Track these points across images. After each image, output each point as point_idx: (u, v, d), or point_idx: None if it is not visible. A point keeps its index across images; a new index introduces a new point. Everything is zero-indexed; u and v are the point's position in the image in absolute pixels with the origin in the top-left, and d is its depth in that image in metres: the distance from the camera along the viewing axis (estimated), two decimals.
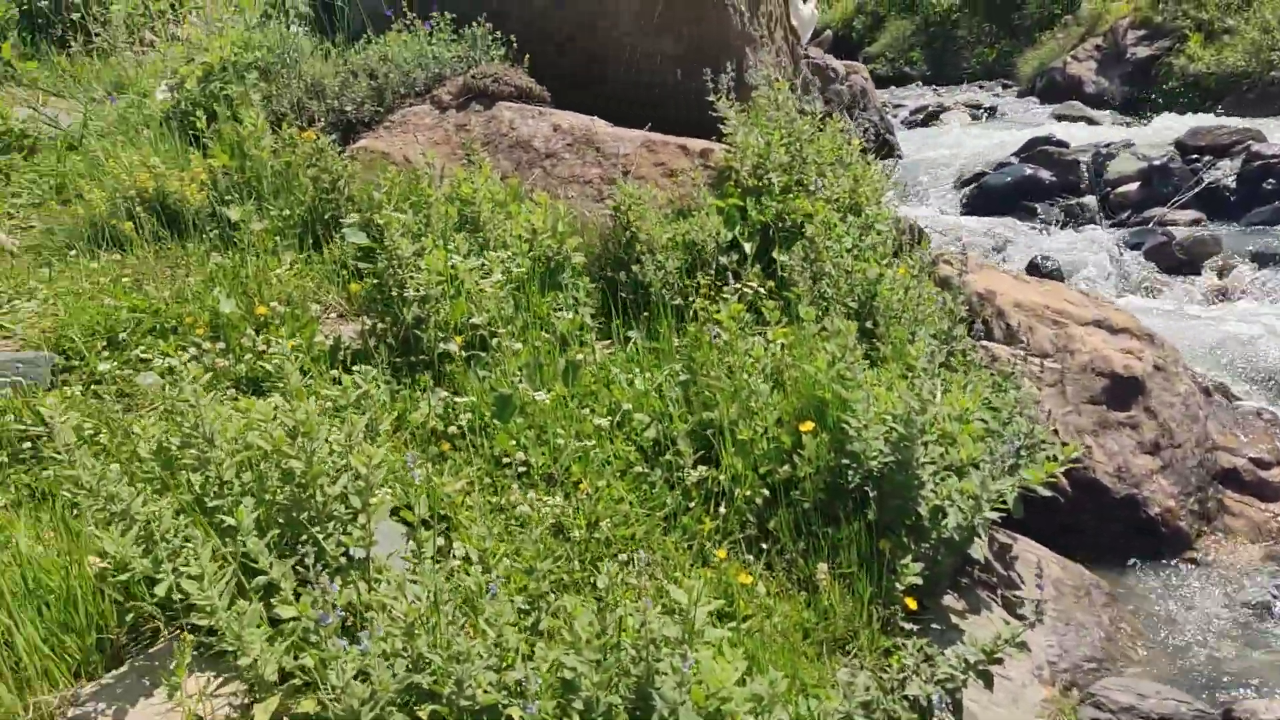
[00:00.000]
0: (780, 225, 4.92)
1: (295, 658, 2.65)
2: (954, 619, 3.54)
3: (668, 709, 2.52)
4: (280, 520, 2.92)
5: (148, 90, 6.76)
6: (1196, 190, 9.38)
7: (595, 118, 5.84)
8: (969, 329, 4.60)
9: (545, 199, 4.98)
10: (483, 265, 4.41)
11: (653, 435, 3.90)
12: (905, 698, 2.92)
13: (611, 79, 6.31)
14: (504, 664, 2.63)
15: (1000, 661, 3.04)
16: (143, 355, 4.08)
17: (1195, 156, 9.87)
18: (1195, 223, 8.95)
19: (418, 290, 4.14)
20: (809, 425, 3.67)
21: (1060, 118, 13.74)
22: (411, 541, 3.07)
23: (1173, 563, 4.61)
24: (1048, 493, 3.85)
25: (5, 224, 5.27)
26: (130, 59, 7.82)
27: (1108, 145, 10.39)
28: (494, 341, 4.15)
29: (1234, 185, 9.37)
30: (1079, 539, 4.54)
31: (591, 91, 6.25)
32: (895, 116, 14.66)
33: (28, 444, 3.55)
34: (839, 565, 3.47)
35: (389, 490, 3.27)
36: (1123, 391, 4.84)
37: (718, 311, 4.08)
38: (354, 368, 4.08)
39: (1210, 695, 3.73)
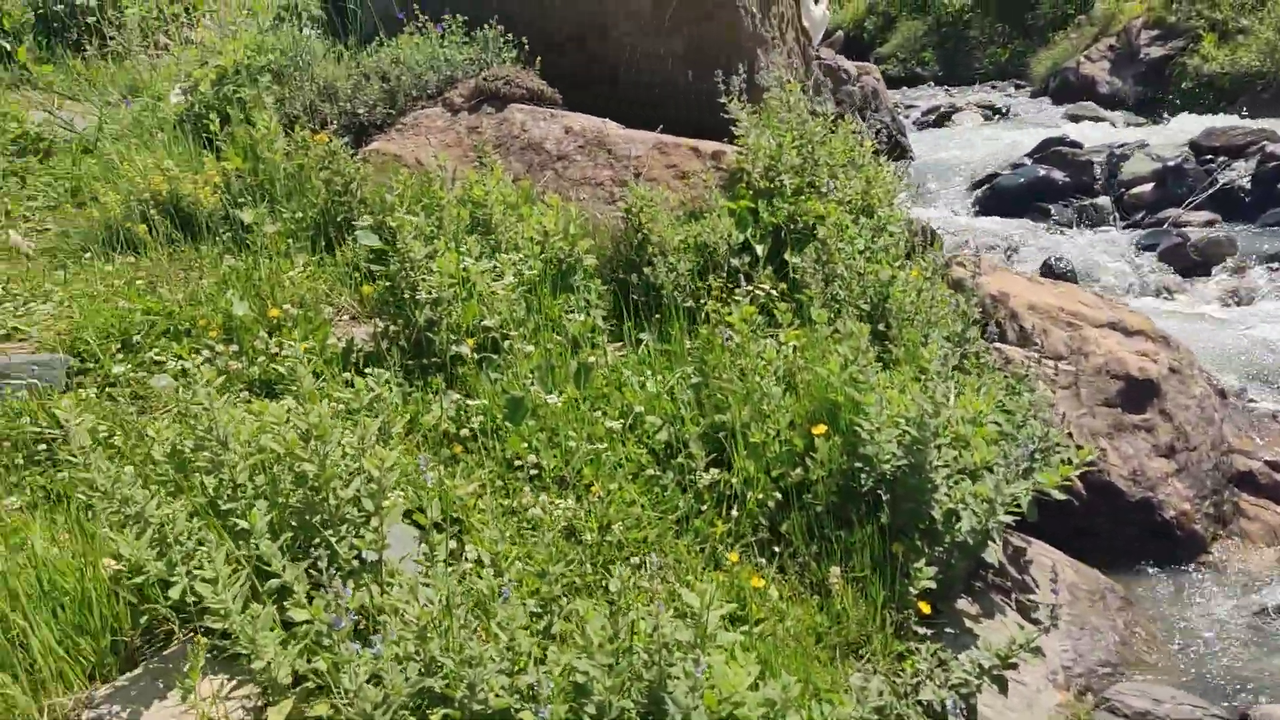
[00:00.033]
0: (792, 227, 4.91)
1: (308, 661, 2.66)
2: (968, 623, 3.52)
3: (680, 714, 2.51)
4: (293, 523, 2.92)
5: (162, 93, 6.80)
6: (1211, 191, 9.33)
7: (607, 120, 5.84)
8: (982, 331, 4.58)
9: (557, 201, 4.98)
10: (495, 268, 4.41)
11: (665, 438, 3.90)
12: (919, 702, 2.91)
13: (623, 81, 6.31)
14: (516, 668, 2.63)
15: (1015, 666, 3.02)
16: (157, 357, 4.10)
17: (1210, 157, 9.81)
18: (1210, 224, 8.90)
19: (430, 293, 4.14)
20: (821, 428, 3.66)
21: (1074, 118, 13.67)
22: (424, 544, 3.08)
23: (1188, 566, 4.58)
24: (1062, 496, 3.83)
25: (21, 227, 5.30)
26: (144, 62, 7.86)
27: (1122, 146, 10.34)
28: (506, 344, 4.15)
29: (1249, 186, 9.31)
30: (1093, 542, 4.51)
31: (603, 93, 6.25)
32: (907, 117, 14.61)
33: (43, 446, 3.57)
34: (852, 569, 3.45)
35: (401, 493, 3.28)
36: (1138, 394, 4.82)
37: (730, 314, 4.07)
38: (366, 370, 4.09)
39: (1226, 700, 3.71)
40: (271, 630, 2.66)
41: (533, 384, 3.98)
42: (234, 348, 4.09)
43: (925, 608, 3.34)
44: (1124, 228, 9.27)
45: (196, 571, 2.68)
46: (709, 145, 5.58)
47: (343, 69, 6.14)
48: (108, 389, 3.95)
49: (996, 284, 5.31)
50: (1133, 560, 4.59)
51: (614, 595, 3.07)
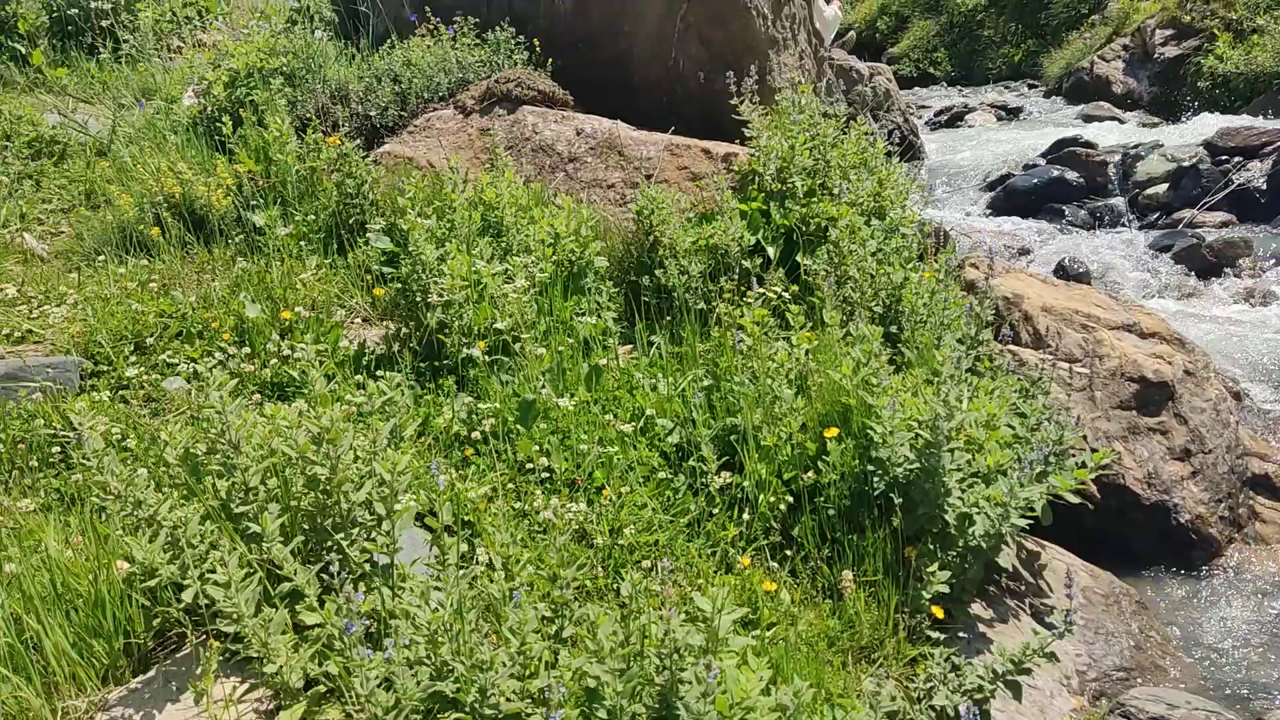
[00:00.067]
0: (804, 229, 4.89)
1: (320, 664, 2.66)
2: (981, 628, 3.50)
3: (692, 719, 2.50)
4: (305, 526, 2.93)
5: (175, 96, 6.83)
6: (1226, 192, 9.26)
7: (618, 121, 5.84)
8: (996, 333, 4.56)
9: (568, 203, 4.98)
10: (506, 270, 4.42)
11: (676, 441, 3.89)
12: (932, 708, 2.89)
13: (634, 82, 6.31)
14: (527, 672, 2.62)
15: (1029, 672, 3.00)
16: (169, 360, 4.11)
17: (1225, 157, 9.74)
18: (1225, 224, 8.84)
19: (441, 295, 4.15)
20: (833, 431, 3.64)
21: (1087, 118, 13.61)
22: (435, 548, 3.08)
23: (1203, 570, 4.55)
24: (1077, 500, 3.81)
25: (36, 229, 5.33)
26: (158, 65, 7.90)
27: (1136, 146, 10.28)
28: (517, 346, 4.15)
29: (1265, 186, 9.23)
30: (1108, 546, 4.48)
31: (614, 95, 6.25)
32: (920, 118, 14.56)
33: (57, 449, 3.58)
34: (864, 573, 3.44)
35: (413, 496, 3.28)
36: (1153, 397, 4.78)
37: (741, 316, 4.06)
38: (378, 372, 4.09)
39: (1242, 705, 3.67)
40: (284, 634, 2.66)
41: (544, 386, 3.98)
42: (246, 350, 4.10)
43: (938, 612, 3.32)
44: (1139, 229, 9.21)
45: (209, 575, 2.69)
46: (721, 147, 5.57)
47: (354, 71, 6.16)
48: (121, 391, 3.97)
49: (1010, 286, 5.28)
50: (1147, 564, 4.56)
51: (625, 599, 3.06)
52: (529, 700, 2.53)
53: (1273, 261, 7.92)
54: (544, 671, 2.63)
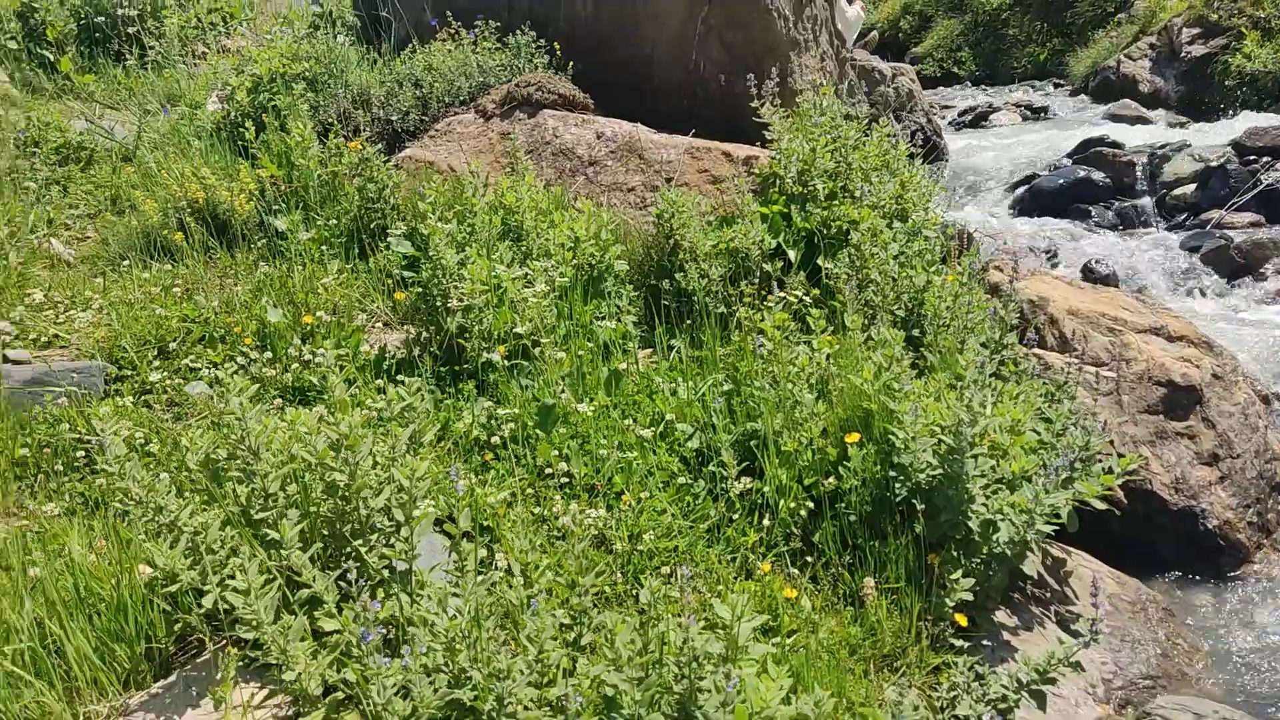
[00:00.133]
0: (825, 232, 4.86)
1: (338, 671, 2.66)
2: (1006, 636, 3.46)
3: None
4: (324, 532, 2.93)
5: (199, 102, 6.89)
6: (1255, 192, 9.12)
7: (639, 124, 5.83)
8: (1021, 337, 4.51)
9: (588, 206, 4.97)
10: (526, 274, 4.41)
11: (696, 446, 3.87)
12: (955, 717, 2.86)
13: (655, 85, 6.30)
14: (545, 680, 2.61)
15: (1054, 681, 2.96)
16: (192, 364, 4.14)
17: (1253, 157, 9.59)
18: (1254, 225, 8.71)
19: (461, 300, 4.15)
20: (855, 436, 3.61)
21: (1114, 118, 13.45)
22: (454, 554, 3.07)
23: (1231, 576, 4.48)
24: (1103, 506, 3.75)
25: (63, 235, 5.39)
26: (183, 71, 7.97)
27: (1163, 146, 10.14)
28: (537, 351, 4.14)
29: None
30: (1134, 552, 4.42)
31: (635, 98, 6.24)
32: (943, 118, 14.45)
33: (82, 453, 3.62)
34: (886, 580, 3.40)
35: (432, 502, 3.28)
36: (1180, 401, 4.72)
37: (762, 320, 4.03)
38: (399, 377, 4.10)
39: (1270, 714, 3.61)
40: (302, 640, 2.66)
41: (563, 391, 3.97)
42: (268, 354, 4.12)
43: (962, 620, 3.28)
44: (1166, 229, 9.10)
45: (229, 581, 2.69)
46: (741, 150, 5.55)
47: (376, 76, 6.19)
48: (144, 396, 4.00)
49: (1035, 288, 5.22)
50: (1174, 570, 4.49)
51: (644, 606, 3.04)
52: (547, 708, 2.52)
53: None
54: (562, 679, 2.62)
